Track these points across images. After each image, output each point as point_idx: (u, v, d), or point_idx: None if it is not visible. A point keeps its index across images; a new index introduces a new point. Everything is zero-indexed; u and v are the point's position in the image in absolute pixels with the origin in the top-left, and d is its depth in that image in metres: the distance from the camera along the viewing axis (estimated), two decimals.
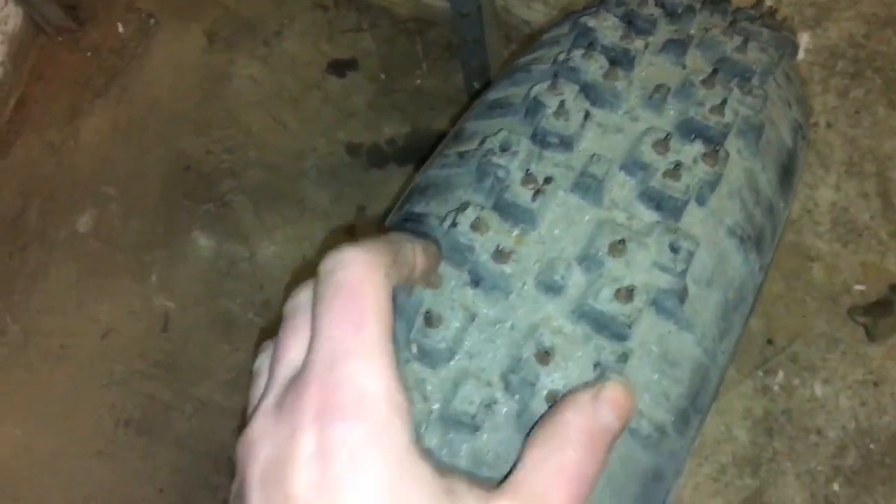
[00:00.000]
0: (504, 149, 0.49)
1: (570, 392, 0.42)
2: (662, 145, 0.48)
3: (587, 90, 0.52)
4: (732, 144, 0.51)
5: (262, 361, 0.42)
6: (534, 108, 0.51)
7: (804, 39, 1.46)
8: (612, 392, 0.41)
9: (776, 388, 1.24)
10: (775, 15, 0.69)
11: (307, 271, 0.43)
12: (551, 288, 0.45)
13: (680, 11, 0.60)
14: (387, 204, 1.41)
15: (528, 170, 0.47)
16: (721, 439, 1.21)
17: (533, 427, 0.41)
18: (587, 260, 0.46)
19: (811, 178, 1.35)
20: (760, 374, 1.25)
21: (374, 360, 0.35)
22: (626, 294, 0.44)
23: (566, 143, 0.49)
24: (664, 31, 0.58)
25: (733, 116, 0.51)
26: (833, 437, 1.21)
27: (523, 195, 0.47)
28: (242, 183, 1.46)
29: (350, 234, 1.39)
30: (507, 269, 0.45)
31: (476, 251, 0.46)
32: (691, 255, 0.46)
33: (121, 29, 1.59)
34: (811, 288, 1.29)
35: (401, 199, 0.55)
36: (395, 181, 1.43)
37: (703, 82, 0.52)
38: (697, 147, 0.50)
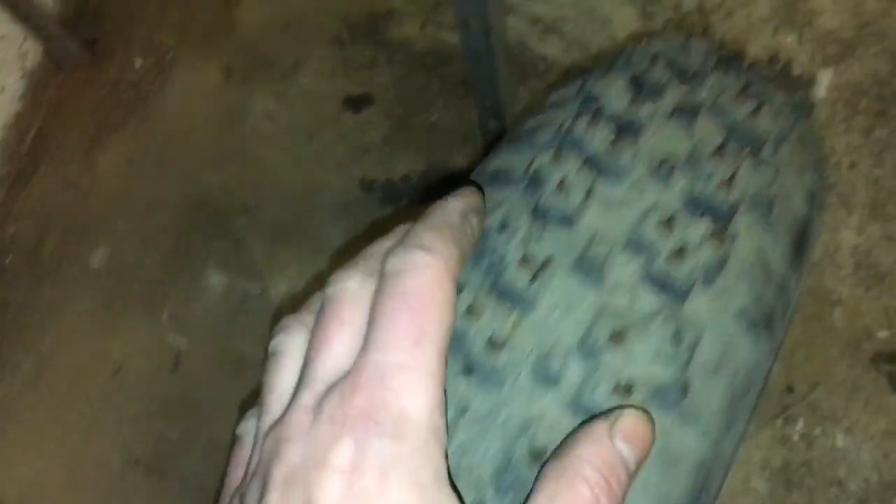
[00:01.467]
0: (503, 226, 0.47)
1: (586, 423, 0.40)
2: (667, 225, 0.46)
3: (592, 162, 0.50)
4: (742, 221, 0.49)
5: (284, 341, 0.41)
6: (534, 181, 0.49)
7: (827, 76, 1.43)
8: (630, 423, 0.38)
9: (796, 437, 1.21)
10: (790, 72, 0.67)
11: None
12: (547, 379, 0.43)
13: (691, 73, 0.58)
14: None
15: (525, 251, 0.45)
16: (738, 491, 1.18)
17: (545, 462, 0.39)
18: (585, 349, 0.44)
19: (833, 220, 1.32)
20: (779, 422, 1.21)
21: (425, 380, 0.35)
22: (625, 389, 0.42)
23: (567, 220, 0.48)
24: (674, 94, 0.56)
25: (743, 191, 0.49)
26: (854, 489, 1.17)
27: (521, 279, 0.45)
28: (257, 219, 1.45)
29: None
30: (502, 358, 0.43)
31: (470, 338, 0.44)
32: (696, 344, 0.44)
33: (138, 64, 1.60)
34: (833, 334, 1.26)
35: None
36: (408, 218, 1.41)
37: (712, 154, 0.50)
38: (705, 224, 0.47)
